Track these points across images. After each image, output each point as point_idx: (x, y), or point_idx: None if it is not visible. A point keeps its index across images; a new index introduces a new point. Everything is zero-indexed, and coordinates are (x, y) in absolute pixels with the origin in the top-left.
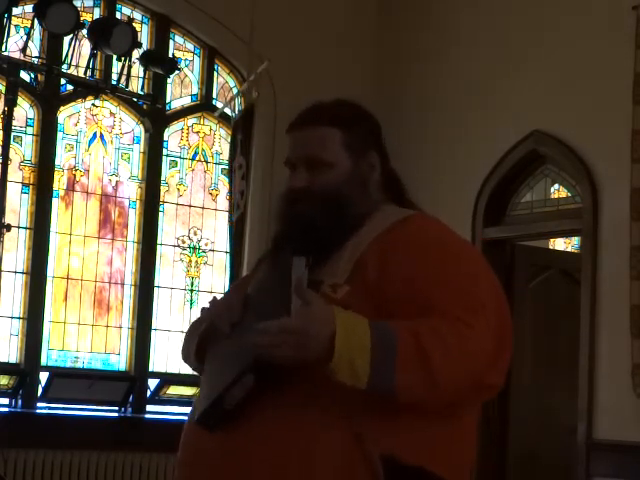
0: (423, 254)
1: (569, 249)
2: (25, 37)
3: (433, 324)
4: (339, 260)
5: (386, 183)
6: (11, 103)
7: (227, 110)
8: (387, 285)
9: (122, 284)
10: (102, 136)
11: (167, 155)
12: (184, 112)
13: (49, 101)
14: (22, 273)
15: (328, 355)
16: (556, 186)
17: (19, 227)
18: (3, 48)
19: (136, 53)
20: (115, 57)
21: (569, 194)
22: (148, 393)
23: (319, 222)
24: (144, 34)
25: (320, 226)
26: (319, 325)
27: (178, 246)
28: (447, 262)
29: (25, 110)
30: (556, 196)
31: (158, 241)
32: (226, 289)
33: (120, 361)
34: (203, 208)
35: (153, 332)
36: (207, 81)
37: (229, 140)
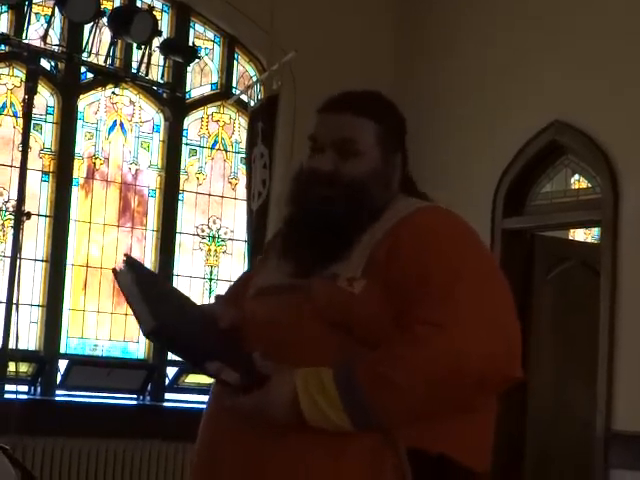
0: (424, 249)
1: (589, 240)
2: (45, 25)
3: (390, 348)
4: (354, 253)
5: (402, 184)
6: (31, 91)
7: (244, 97)
8: (395, 279)
9: None
10: (122, 124)
11: (187, 144)
12: (204, 101)
13: (69, 89)
14: (42, 261)
15: (299, 418)
16: (576, 176)
17: (39, 215)
18: (24, 36)
19: (156, 41)
20: (135, 45)
21: (589, 185)
22: (166, 381)
23: (342, 209)
24: (164, 22)
25: (342, 214)
26: (279, 400)
27: (197, 235)
28: (441, 259)
29: (45, 98)
30: (576, 187)
31: (177, 230)
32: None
33: (139, 349)
34: (222, 197)
35: None
36: (227, 70)
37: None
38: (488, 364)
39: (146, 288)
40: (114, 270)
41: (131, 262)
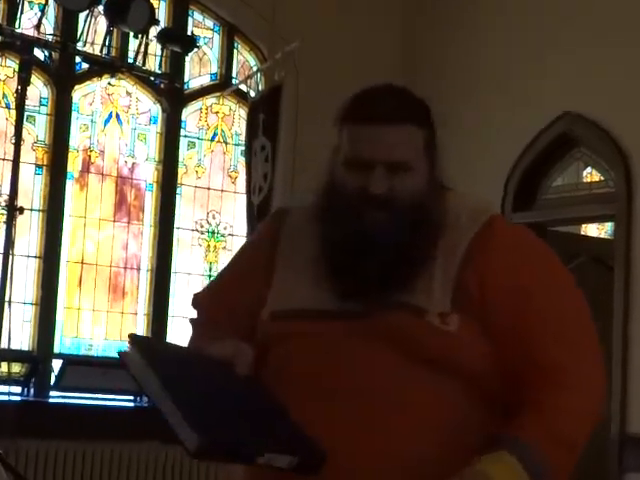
0: (524, 276)
1: (602, 235)
2: (39, 14)
3: (553, 401)
4: (430, 280)
5: None
6: (24, 82)
7: (243, 87)
8: (495, 312)
9: (138, 269)
10: (118, 116)
11: (185, 136)
12: (203, 91)
13: (63, 80)
14: (35, 257)
15: None
16: (588, 169)
17: (32, 210)
18: (16, 25)
19: (153, 30)
20: (132, 34)
21: (602, 178)
22: None
23: (404, 232)
24: (162, 11)
25: (405, 237)
26: None
27: (196, 230)
28: (545, 287)
29: (39, 89)
30: (588, 180)
31: (175, 225)
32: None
33: None
34: (222, 191)
35: (170, 319)
36: (227, 59)
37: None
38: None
39: (167, 378)
40: (120, 354)
41: (138, 341)
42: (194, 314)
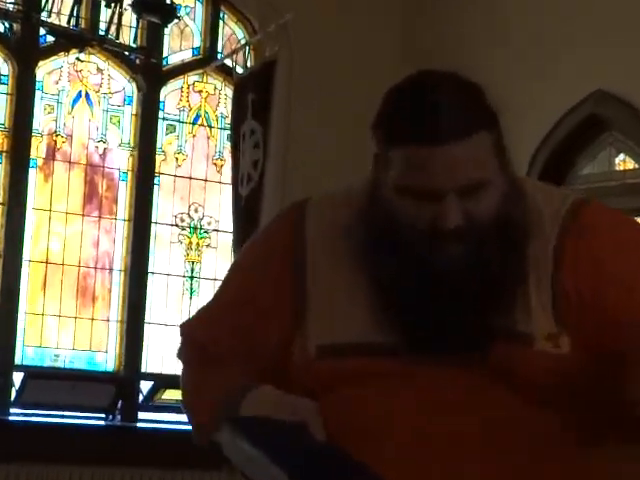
0: (628, 280)
1: None
2: None
3: None
4: (527, 299)
5: None
6: None
7: (228, 63)
8: (597, 322)
9: (110, 270)
10: (88, 96)
11: (164, 118)
12: (184, 68)
13: (26, 55)
14: None
15: None
16: (621, 156)
17: None
18: None
19: None
20: (103, 3)
21: (637, 166)
22: (140, 398)
23: (492, 260)
24: None
25: (495, 266)
26: None
27: (176, 225)
28: None
29: None
30: (622, 168)
31: (153, 219)
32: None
33: (107, 360)
34: (206, 181)
35: (146, 326)
36: (211, 32)
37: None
38: None
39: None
40: (207, 443)
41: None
42: (183, 348)
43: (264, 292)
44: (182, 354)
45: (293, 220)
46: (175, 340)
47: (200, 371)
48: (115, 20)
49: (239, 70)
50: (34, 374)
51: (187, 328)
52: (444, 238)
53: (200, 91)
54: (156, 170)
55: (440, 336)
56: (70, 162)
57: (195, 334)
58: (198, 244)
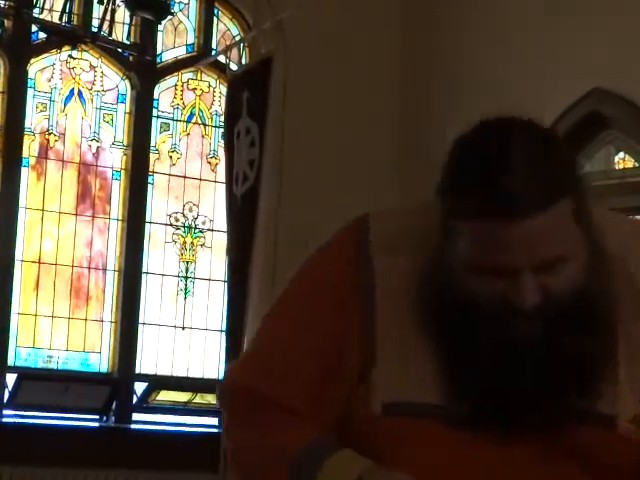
0: None
1: None
2: None
3: None
4: (612, 372)
5: None
6: None
7: (222, 59)
8: None
9: (104, 270)
10: (80, 94)
11: (157, 117)
12: (178, 65)
13: (17, 52)
14: None
15: None
16: (621, 155)
17: None
18: None
19: None
20: (96, 0)
21: (637, 164)
22: (134, 399)
23: (575, 340)
24: None
25: (578, 347)
26: None
27: (170, 225)
28: None
29: None
30: (621, 166)
31: (147, 219)
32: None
33: (101, 361)
34: (200, 179)
35: (140, 327)
36: (205, 29)
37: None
38: None
39: None
40: None
41: None
42: (234, 398)
43: (325, 329)
44: (232, 405)
45: (355, 248)
46: (171, 342)
47: (261, 427)
48: (108, 17)
49: (233, 67)
50: (27, 375)
51: (243, 379)
52: (521, 316)
53: (194, 89)
54: (150, 169)
55: (518, 415)
56: (63, 161)
57: (256, 385)
58: (193, 244)
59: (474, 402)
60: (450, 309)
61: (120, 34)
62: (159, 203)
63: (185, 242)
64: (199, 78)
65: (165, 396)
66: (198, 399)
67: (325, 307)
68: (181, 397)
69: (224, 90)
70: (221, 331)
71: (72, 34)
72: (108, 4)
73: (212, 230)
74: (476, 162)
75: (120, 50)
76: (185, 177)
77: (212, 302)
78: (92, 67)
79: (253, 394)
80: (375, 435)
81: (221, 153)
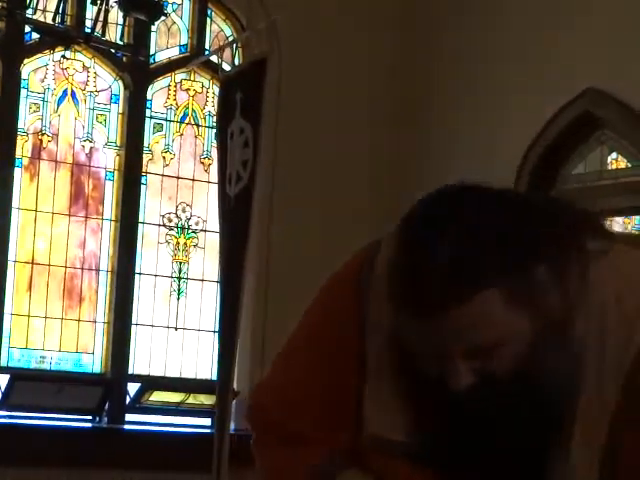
0: None
1: (629, 230)
2: None
3: None
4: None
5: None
6: None
7: (214, 60)
8: None
9: (97, 270)
10: (74, 94)
11: (151, 117)
12: (171, 66)
13: (10, 52)
14: None
15: None
16: (614, 155)
17: None
18: None
19: None
20: (89, 0)
21: (630, 165)
22: (127, 400)
23: (520, 426)
24: None
25: (522, 434)
26: None
27: (164, 225)
28: None
29: None
30: (614, 167)
31: (140, 219)
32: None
33: (94, 362)
34: (193, 180)
35: (133, 327)
36: (198, 29)
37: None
38: None
39: None
40: None
41: None
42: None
43: (335, 362)
44: (251, 423)
45: (359, 279)
46: (164, 343)
47: (279, 454)
48: (101, 17)
49: (226, 68)
50: (20, 376)
51: (259, 411)
52: (457, 395)
53: (187, 89)
54: (143, 169)
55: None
56: (56, 161)
57: (270, 414)
58: (186, 244)
59: (435, 450)
60: (404, 369)
61: (113, 35)
62: (152, 204)
63: (178, 243)
64: (192, 79)
65: (158, 397)
66: (191, 400)
67: (331, 345)
68: (174, 398)
69: (217, 91)
70: (214, 332)
71: (65, 35)
72: (101, 5)
73: (205, 231)
74: (407, 247)
75: (113, 51)
76: (178, 178)
77: (205, 303)
78: (85, 68)
79: (269, 423)
80: (367, 460)
81: (214, 154)
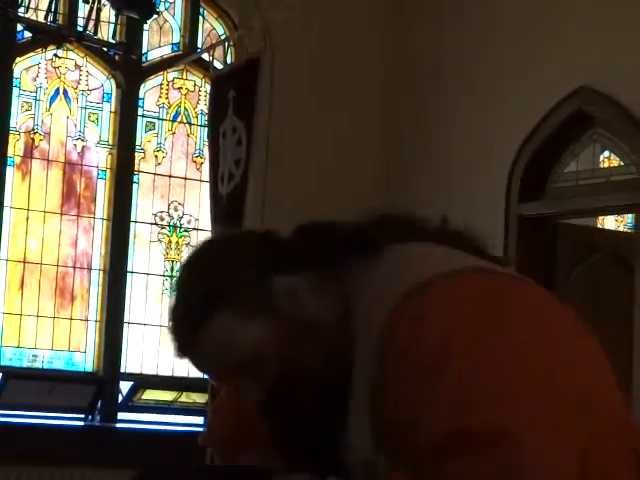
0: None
1: (621, 228)
2: None
3: None
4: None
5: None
6: None
7: (205, 57)
8: None
9: (89, 269)
10: (66, 93)
11: (143, 116)
12: (163, 64)
13: (2, 51)
14: None
15: None
16: (606, 153)
17: None
18: None
19: None
20: None
21: (622, 163)
22: (119, 398)
23: None
24: None
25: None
26: None
27: (156, 224)
28: None
29: None
30: (606, 165)
31: (132, 218)
32: None
33: (86, 360)
34: (185, 179)
35: (125, 326)
36: (191, 28)
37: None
38: None
39: None
40: None
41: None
42: None
43: None
44: None
45: None
46: (156, 341)
47: None
48: (93, 16)
49: (217, 65)
50: (12, 375)
51: None
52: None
53: (180, 88)
54: (135, 168)
55: None
56: (48, 160)
57: None
58: (178, 243)
59: None
60: None
61: (105, 33)
62: (144, 202)
63: (170, 241)
64: (184, 77)
65: (150, 395)
66: (184, 398)
67: None
68: (166, 396)
69: (210, 89)
70: None
71: (57, 33)
72: (93, 3)
73: (197, 229)
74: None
75: (105, 49)
76: (170, 176)
77: None
78: (77, 66)
79: None
80: None
81: (206, 152)
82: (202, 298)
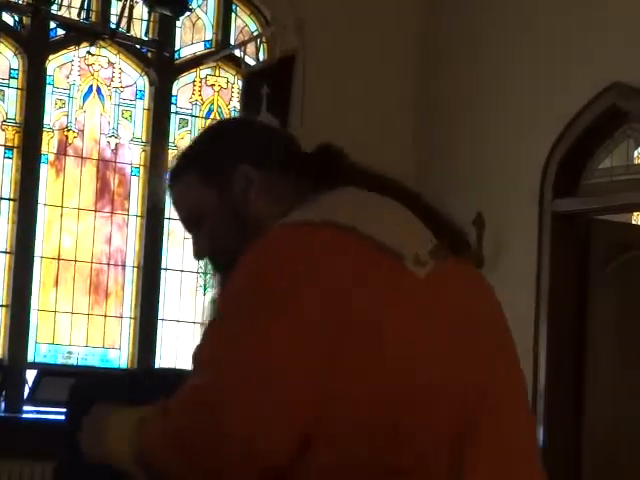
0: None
1: None
2: None
3: None
4: None
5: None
6: None
7: (237, 54)
8: None
9: (123, 266)
10: (99, 90)
11: (176, 112)
12: (196, 61)
13: (36, 49)
14: (4, 253)
15: None
16: None
17: (1, 198)
18: None
19: None
20: None
21: None
22: None
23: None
24: None
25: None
26: None
27: None
28: None
29: (8, 59)
30: None
31: (165, 215)
32: None
33: (121, 357)
34: None
35: (160, 323)
36: (223, 25)
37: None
38: None
39: None
40: None
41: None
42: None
43: None
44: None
45: None
46: (190, 338)
47: None
48: (126, 13)
49: (250, 61)
50: (47, 371)
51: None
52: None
53: (213, 85)
54: (168, 165)
55: None
56: (82, 157)
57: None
58: None
59: None
60: None
61: (138, 30)
62: None
63: None
64: (217, 74)
65: None
66: None
67: None
68: None
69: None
70: None
71: (90, 30)
72: (126, 0)
73: None
74: None
75: (138, 46)
76: None
77: None
78: (110, 63)
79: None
80: None
81: None
82: (188, 157)
